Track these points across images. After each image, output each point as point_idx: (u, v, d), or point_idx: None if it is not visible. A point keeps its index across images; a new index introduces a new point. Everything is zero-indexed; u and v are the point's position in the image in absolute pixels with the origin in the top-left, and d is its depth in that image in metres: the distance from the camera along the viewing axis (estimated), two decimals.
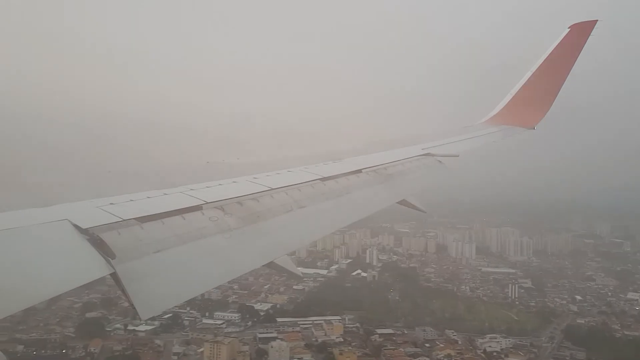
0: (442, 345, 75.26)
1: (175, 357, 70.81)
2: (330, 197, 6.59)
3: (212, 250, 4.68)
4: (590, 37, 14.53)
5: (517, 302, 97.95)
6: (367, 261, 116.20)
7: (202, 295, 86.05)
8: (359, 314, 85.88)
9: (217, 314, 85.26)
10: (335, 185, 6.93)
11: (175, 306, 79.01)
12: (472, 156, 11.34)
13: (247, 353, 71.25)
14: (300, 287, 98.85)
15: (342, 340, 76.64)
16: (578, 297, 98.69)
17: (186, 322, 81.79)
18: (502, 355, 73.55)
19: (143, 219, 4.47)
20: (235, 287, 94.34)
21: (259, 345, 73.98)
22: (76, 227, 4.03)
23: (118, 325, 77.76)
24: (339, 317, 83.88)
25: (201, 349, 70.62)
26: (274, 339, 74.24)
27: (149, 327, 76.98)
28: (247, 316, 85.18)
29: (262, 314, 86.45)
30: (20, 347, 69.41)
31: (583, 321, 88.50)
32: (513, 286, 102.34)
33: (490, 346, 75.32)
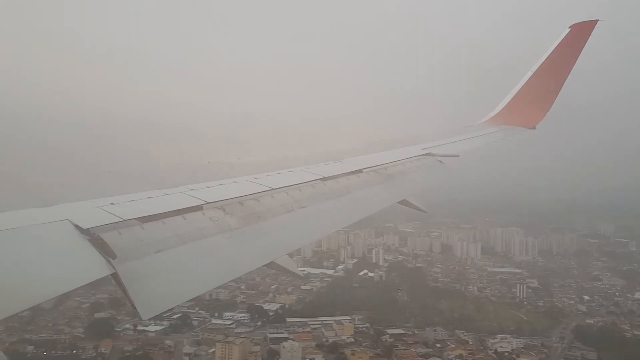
0: (453, 345, 75.09)
1: (187, 358, 70.83)
2: (331, 197, 6.57)
3: (212, 250, 4.68)
4: (590, 37, 14.44)
5: (525, 302, 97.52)
6: (374, 261, 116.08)
7: (210, 295, 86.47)
8: (368, 314, 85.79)
9: (226, 314, 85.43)
10: (335, 185, 6.92)
11: (184, 306, 79.86)
12: (472, 156, 11.30)
13: (258, 353, 71.26)
14: (308, 287, 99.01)
15: (352, 340, 76.57)
16: (586, 297, 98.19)
17: (195, 323, 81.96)
18: (514, 356, 73.25)
19: (144, 219, 4.47)
20: (243, 287, 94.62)
21: (270, 345, 73.94)
22: (77, 227, 4.03)
23: (127, 326, 77.92)
24: (348, 317, 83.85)
25: (212, 349, 70.68)
26: (285, 339, 74.17)
27: (158, 328, 77.19)
28: (256, 316, 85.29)
29: (271, 314, 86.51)
30: (30, 348, 69.90)
31: (592, 321, 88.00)
32: (521, 286, 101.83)
33: (501, 346, 75.03)
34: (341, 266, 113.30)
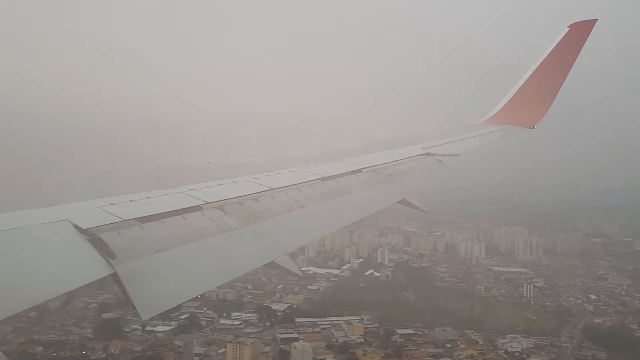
0: (463, 345, 74.69)
1: (197, 358, 70.53)
2: (331, 197, 6.59)
3: (212, 250, 4.70)
4: (590, 36, 14.39)
5: (532, 302, 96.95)
6: (379, 261, 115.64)
7: (217, 295, 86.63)
8: (376, 314, 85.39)
9: (235, 314, 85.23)
10: (335, 185, 6.93)
11: (192, 306, 79.97)
12: (472, 155, 11.28)
13: (269, 354, 70.93)
14: (314, 287, 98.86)
15: (362, 340, 76.16)
16: (592, 297, 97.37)
17: (203, 323, 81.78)
18: (524, 356, 72.75)
19: (143, 219, 4.50)
20: (249, 287, 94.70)
21: (280, 345, 73.69)
22: (76, 227, 4.06)
23: (136, 326, 77.73)
24: (357, 318, 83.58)
25: (222, 350, 70.39)
26: (294, 339, 73.85)
27: (167, 328, 77.09)
28: (265, 316, 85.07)
29: (279, 314, 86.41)
30: (39, 349, 70.10)
31: (600, 321, 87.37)
32: (528, 286, 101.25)
33: (511, 346, 74.57)
34: (346, 266, 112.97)
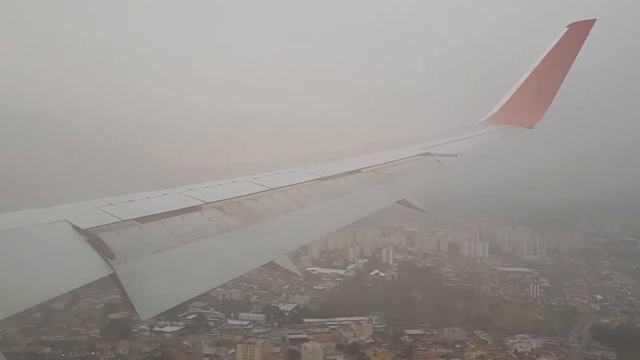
0: (473, 346, 74.47)
1: (207, 359, 70.37)
2: (330, 197, 6.58)
3: (211, 250, 4.70)
4: (589, 36, 14.32)
5: (539, 302, 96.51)
6: (384, 261, 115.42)
7: (224, 295, 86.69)
8: (383, 314, 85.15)
9: (242, 314, 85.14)
10: (334, 185, 6.93)
11: (199, 307, 79.96)
12: (471, 155, 11.26)
13: (279, 354, 70.83)
14: (320, 287, 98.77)
15: (372, 341, 76.00)
16: (598, 297, 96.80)
17: (211, 323, 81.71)
18: (534, 356, 72.49)
19: (142, 220, 4.51)
20: (255, 287, 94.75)
21: (289, 346, 73.53)
22: (75, 227, 4.07)
23: (143, 327, 77.56)
24: (366, 318, 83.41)
25: (232, 350, 70.27)
26: (304, 340, 73.57)
27: (175, 329, 77.11)
28: (272, 317, 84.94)
29: (287, 314, 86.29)
30: (47, 349, 70.22)
31: (607, 321, 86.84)
32: (534, 286, 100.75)
33: (520, 346, 74.33)
34: (351, 266, 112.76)
